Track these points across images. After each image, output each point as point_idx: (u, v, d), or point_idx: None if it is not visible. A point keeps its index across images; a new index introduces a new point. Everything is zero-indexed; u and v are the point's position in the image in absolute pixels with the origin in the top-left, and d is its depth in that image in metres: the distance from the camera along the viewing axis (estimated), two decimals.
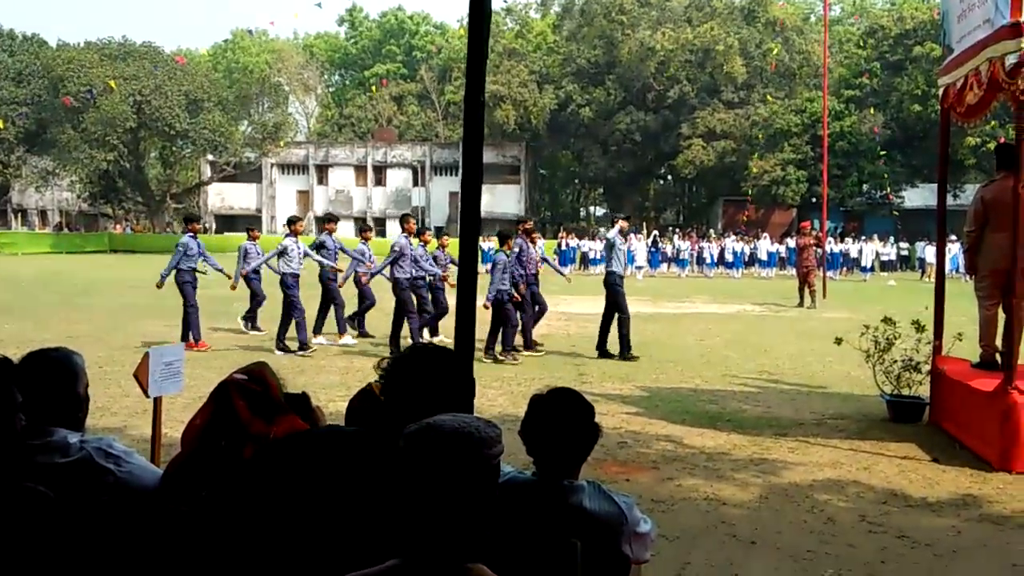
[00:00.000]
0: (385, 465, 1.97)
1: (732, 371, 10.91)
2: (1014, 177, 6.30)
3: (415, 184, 62.68)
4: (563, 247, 39.12)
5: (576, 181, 70.22)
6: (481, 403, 8.41)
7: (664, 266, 40.25)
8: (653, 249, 39.62)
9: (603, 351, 11.84)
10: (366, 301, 13.73)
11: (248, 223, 17.21)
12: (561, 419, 2.46)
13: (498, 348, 11.68)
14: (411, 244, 12.31)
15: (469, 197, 3.49)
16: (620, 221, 12.59)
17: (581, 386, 9.48)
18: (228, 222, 62.03)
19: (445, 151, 62.78)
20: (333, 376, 10.07)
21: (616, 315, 11.88)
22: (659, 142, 58.81)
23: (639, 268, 35.98)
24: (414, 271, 12.34)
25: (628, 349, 11.74)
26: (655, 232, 45.73)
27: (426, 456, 1.70)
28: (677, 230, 48.54)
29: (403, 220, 12.55)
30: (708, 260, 38.49)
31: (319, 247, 12.87)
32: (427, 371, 2.23)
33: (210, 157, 57.77)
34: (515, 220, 14.10)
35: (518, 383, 9.75)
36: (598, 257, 39.69)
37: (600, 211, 79.88)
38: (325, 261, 12.74)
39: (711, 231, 48.28)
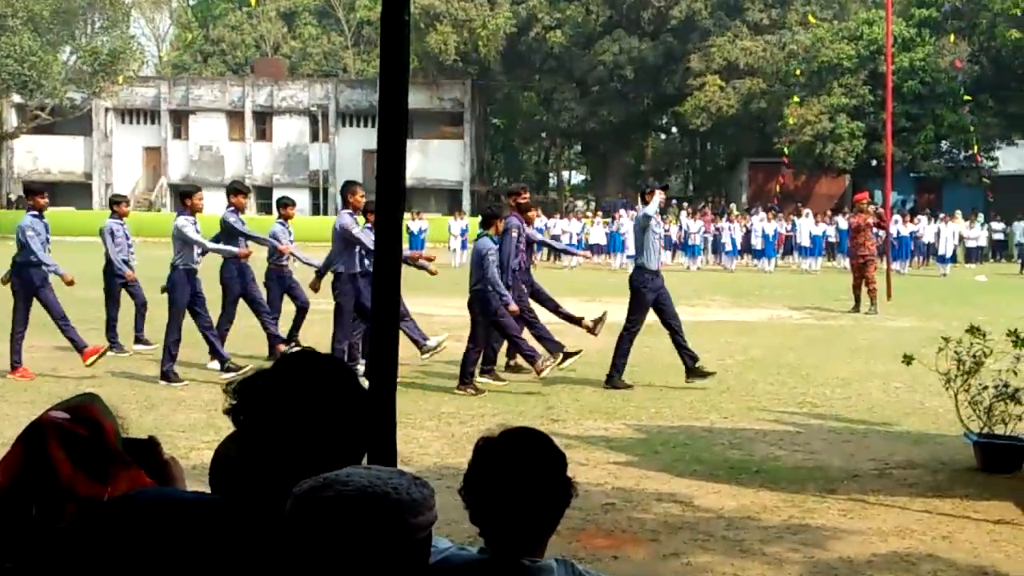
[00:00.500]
0: (252, 549, 1.92)
1: (761, 402, 11.05)
2: None
3: (314, 138, 62.44)
4: None
5: (543, 135, 70.50)
6: (411, 449, 8.42)
7: (667, 255, 40.58)
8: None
9: (692, 370, 12.02)
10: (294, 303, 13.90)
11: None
12: (518, 473, 2.46)
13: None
14: (358, 224, 12.30)
15: (389, 157, 3.48)
16: (657, 191, 12.56)
17: (550, 425, 9.54)
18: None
19: (356, 92, 62.66)
20: (196, 413, 9.98)
21: (628, 326, 12.02)
22: (659, 81, 59.31)
23: (630, 257, 36.25)
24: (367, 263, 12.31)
25: (620, 373, 11.86)
26: None
27: (321, 529, 1.69)
28: (685, 204, 49.02)
29: (347, 190, 12.60)
30: (729, 246, 38.93)
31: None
32: (306, 395, 2.09)
33: (16, 99, 56.87)
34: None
35: (461, 421, 9.77)
36: (574, 242, 39.92)
37: (577, 177, 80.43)
38: (218, 246, 12.77)
39: (732, 206, 48.80)
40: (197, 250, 12.12)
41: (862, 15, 51.97)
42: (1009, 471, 7.93)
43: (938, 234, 39.05)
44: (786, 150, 50.52)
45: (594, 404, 10.82)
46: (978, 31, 49.69)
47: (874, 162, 47.81)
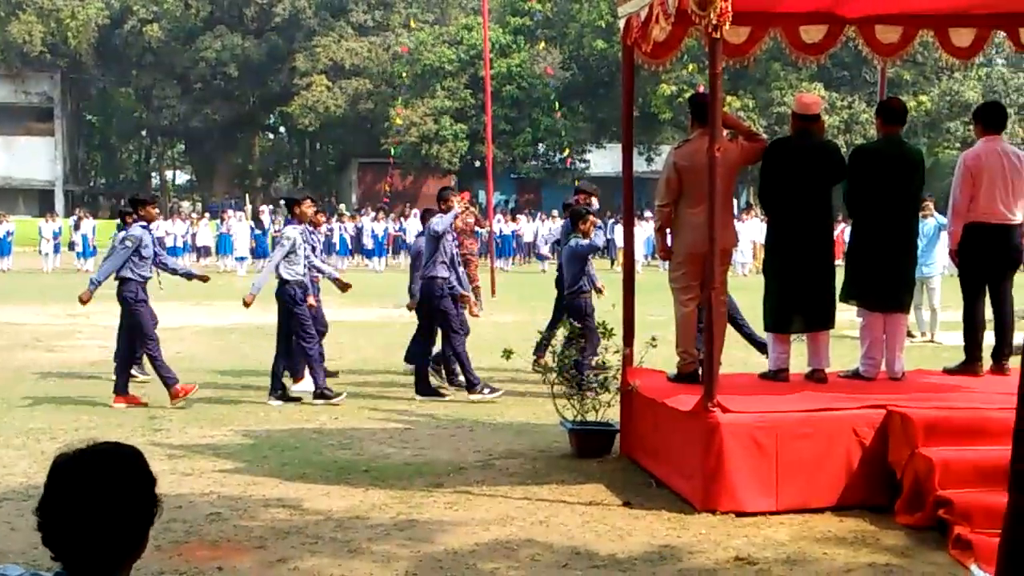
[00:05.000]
0: None
1: (372, 401, 11.16)
2: (710, 136, 7.10)
3: None
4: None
5: (144, 133, 67.82)
6: None
7: None
8: (260, 232, 39.45)
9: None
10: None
11: None
12: (92, 492, 2.33)
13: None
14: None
15: None
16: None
17: (152, 435, 9.21)
18: None
19: None
20: None
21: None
22: (265, 79, 58.74)
23: (240, 260, 35.64)
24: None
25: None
26: (265, 207, 45.50)
27: None
28: None
29: (443, 195, 11.98)
30: (338, 247, 39.10)
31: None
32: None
33: None
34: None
35: (52, 437, 9.19)
36: (179, 244, 38.69)
37: (182, 177, 77.95)
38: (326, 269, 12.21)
39: (342, 206, 49.10)
40: (304, 259, 11.23)
41: (462, 20, 53.83)
42: (600, 455, 8.46)
43: (536, 233, 41.14)
44: (393, 151, 51.41)
45: (200, 411, 10.50)
46: (568, 40, 52.82)
47: (477, 163, 49.65)
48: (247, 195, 53.18)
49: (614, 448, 8.58)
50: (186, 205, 61.68)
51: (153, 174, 73.65)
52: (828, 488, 6.91)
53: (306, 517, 6.81)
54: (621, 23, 8.38)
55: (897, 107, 8.62)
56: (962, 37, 9.18)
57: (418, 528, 6.57)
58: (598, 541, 6.28)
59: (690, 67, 43.43)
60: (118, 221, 13.76)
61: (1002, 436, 4.60)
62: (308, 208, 11.58)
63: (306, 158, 70.80)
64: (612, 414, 8.69)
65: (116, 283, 10.92)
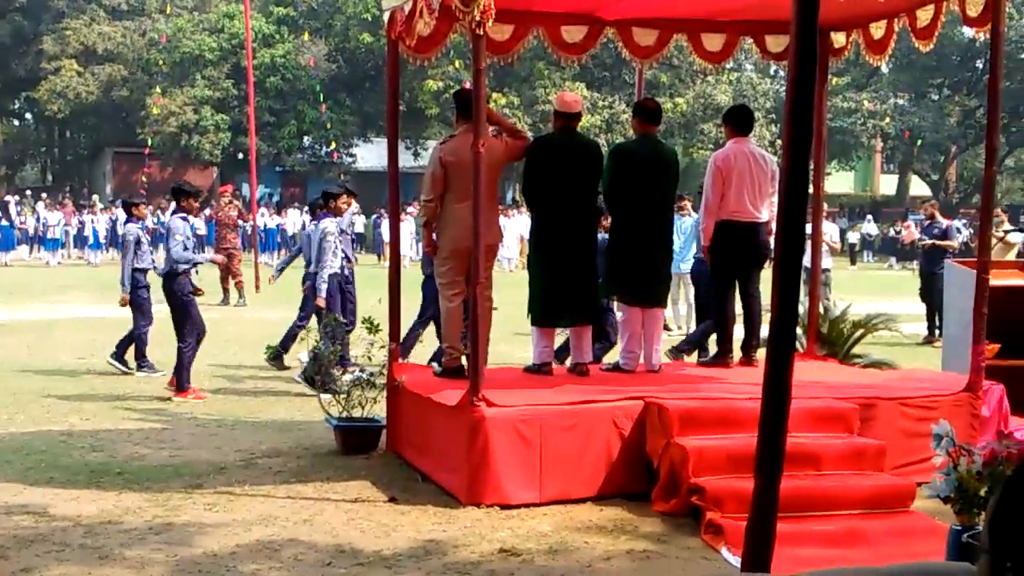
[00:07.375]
0: None
1: (127, 401, 10.78)
2: (474, 132, 7.17)
3: None
4: None
5: None
6: None
7: (24, 249, 38.31)
8: (7, 223, 37.45)
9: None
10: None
11: None
12: None
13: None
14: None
15: None
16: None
17: None
18: None
19: None
20: None
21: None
22: (9, 63, 55.71)
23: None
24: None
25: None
26: (10, 198, 43.17)
27: None
28: (44, 195, 46.43)
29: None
30: (92, 240, 37.54)
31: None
32: None
33: None
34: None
35: None
36: None
37: None
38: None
39: (95, 197, 47.06)
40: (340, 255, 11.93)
41: (223, 8, 52.43)
42: (366, 452, 8.44)
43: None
44: (150, 141, 49.62)
45: None
46: (334, 32, 52.27)
47: (240, 155, 48.47)
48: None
49: (381, 444, 8.58)
50: None
51: None
52: (589, 478, 7.11)
53: (53, 524, 6.51)
54: (386, 16, 8.37)
55: (653, 107, 8.94)
56: (713, 42, 9.64)
57: (175, 531, 6.38)
58: (363, 538, 6.26)
59: (456, 63, 43.73)
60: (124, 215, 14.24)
61: (750, 425, 4.84)
62: (343, 203, 12.31)
63: (55, 146, 67.41)
64: (379, 410, 8.68)
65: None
